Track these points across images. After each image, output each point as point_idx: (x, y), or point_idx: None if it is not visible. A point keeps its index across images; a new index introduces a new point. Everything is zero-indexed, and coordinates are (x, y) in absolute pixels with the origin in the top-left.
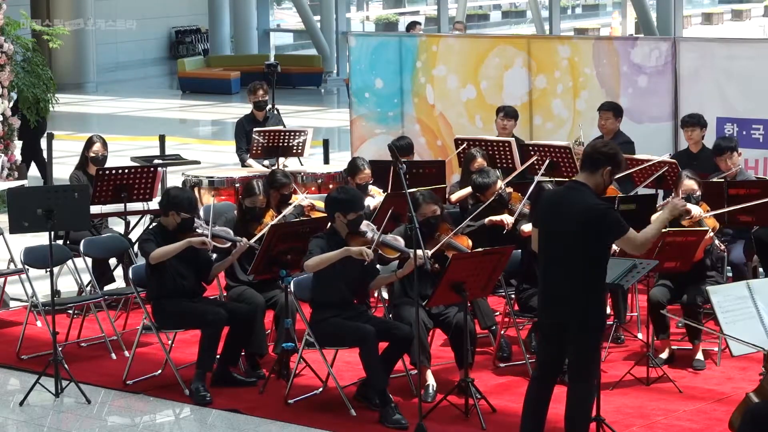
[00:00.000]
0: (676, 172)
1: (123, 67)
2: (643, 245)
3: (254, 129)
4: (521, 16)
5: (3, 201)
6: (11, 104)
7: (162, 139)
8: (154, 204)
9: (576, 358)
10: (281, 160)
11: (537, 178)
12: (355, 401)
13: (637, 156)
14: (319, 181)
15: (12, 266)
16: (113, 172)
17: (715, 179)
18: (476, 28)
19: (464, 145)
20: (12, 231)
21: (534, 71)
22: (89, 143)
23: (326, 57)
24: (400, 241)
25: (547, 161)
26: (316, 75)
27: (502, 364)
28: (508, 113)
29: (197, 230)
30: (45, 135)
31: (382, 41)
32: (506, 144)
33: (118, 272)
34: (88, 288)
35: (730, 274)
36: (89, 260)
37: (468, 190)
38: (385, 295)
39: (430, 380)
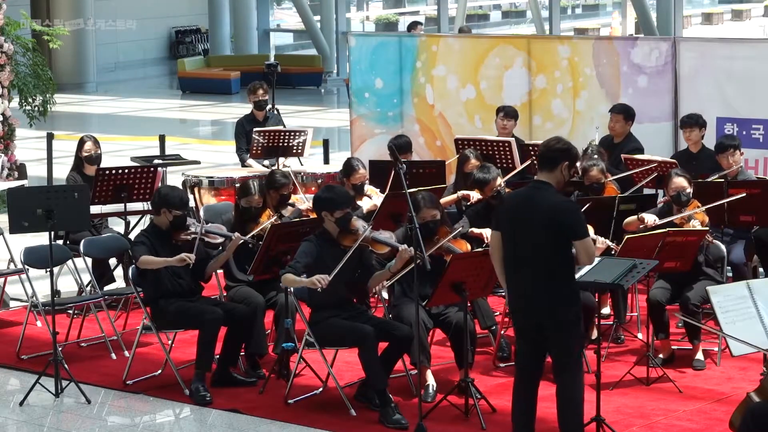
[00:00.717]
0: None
1: (123, 67)
2: (594, 259)
3: (254, 129)
4: (521, 16)
5: (3, 201)
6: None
7: (162, 139)
8: None
9: (558, 355)
10: (281, 160)
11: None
12: (355, 401)
13: (638, 156)
14: (319, 181)
15: (12, 266)
16: (113, 172)
17: (715, 178)
18: (476, 28)
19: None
20: (12, 231)
21: (534, 71)
22: (81, 144)
23: (326, 57)
24: (392, 237)
25: None
26: (316, 75)
27: (502, 364)
28: (508, 113)
29: (190, 228)
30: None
31: (382, 41)
32: (506, 144)
33: (118, 272)
34: (88, 288)
35: (730, 274)
36: (89, 260)
37: (453, 196)
38: (385, 295)
39: (430, 380)
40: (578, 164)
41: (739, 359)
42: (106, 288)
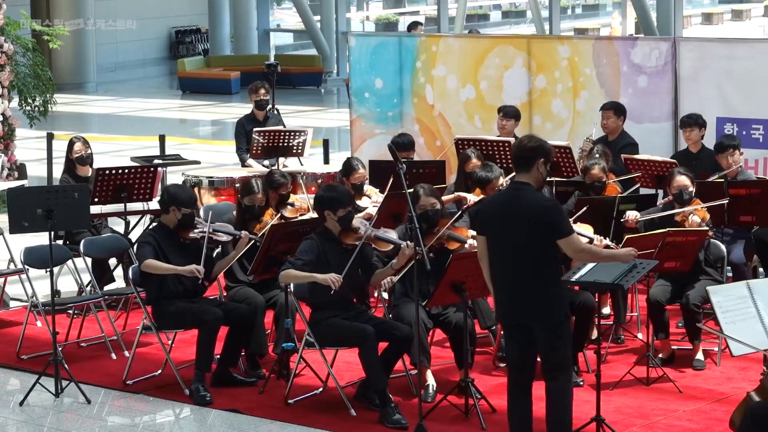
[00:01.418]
0: None
1: (123, 67)
2: (584, 253)
3: (254, 129)
4: (521, 16)
5: (3, 201)
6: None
7: (162, 139)
8: (154, 204)
9: (547, 355)
10: (281, 160)
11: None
12: (355, 401)
13: (639, 156)
14: (319, 181)
15: (12, 266)
16: (113, 172)
17: (715, 178)
18: (476, 28)
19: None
20: (12, 231)
21: (534, 71)
22: (70, 145)
23: (326, 57)
24: (393, 234)
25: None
26: (316, 75)
27: (502, 364)
28: (507, 113)
29: (197, 227)
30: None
31: (382, 41)
32: (506, 144)
33: (118, 272)
34: (88, 288)
35: (730, 274)
36: (89, 260)
37: (451, 196)
38: (385, 295)
39: (430, 380)
40: (580, 163)
41: (739, 359)
42: (106, 288)
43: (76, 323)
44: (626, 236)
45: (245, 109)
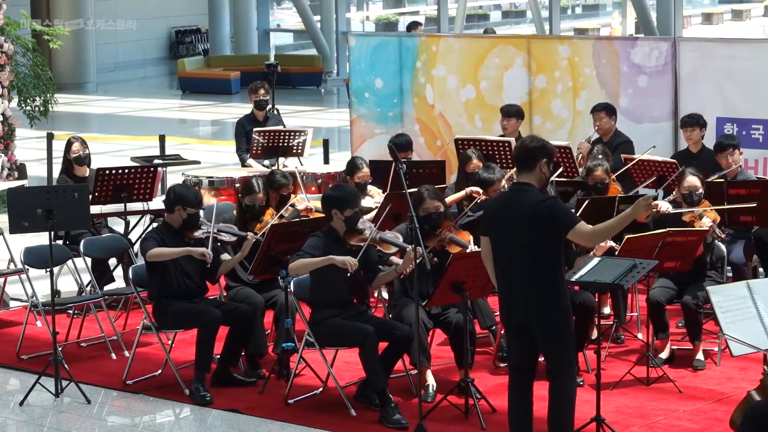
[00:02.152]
0: (674, 172)
1: (123, 67)
2: (596, 235)
3: (254, 129)
4: (521, 16)
5: (3, 201)
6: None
7: (162, 139)
8: (153, 204)
9: (550, 355)
10: (281, 160)
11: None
12: (355, 401)
13: (638, 156)
14: (319, 181)
15: (12, 266)
16: (113, 172)
17: (715, 178)
18: (476, 28)
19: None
20: (12, 231)
21: (534, 71)
22: (68, 145)
23: (326, 57)
24: (398, 237)
25: None
26: (316, 75)
27: (502, 364)
28: (507, 113)
29: (201, 227)
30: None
31: (382, 41)
32: (506, 144)
33: (118, 272)
34: (88, 288)
35: (730, 274)
36: (89, 260)
37: (462, 193)
38: (385, 295)
39: (430, 380)
40: (583, 164)
41: (739, 359)
42: (106, 288)
43: (76, 323)
44: (626, 237)
45: (245, 109)
